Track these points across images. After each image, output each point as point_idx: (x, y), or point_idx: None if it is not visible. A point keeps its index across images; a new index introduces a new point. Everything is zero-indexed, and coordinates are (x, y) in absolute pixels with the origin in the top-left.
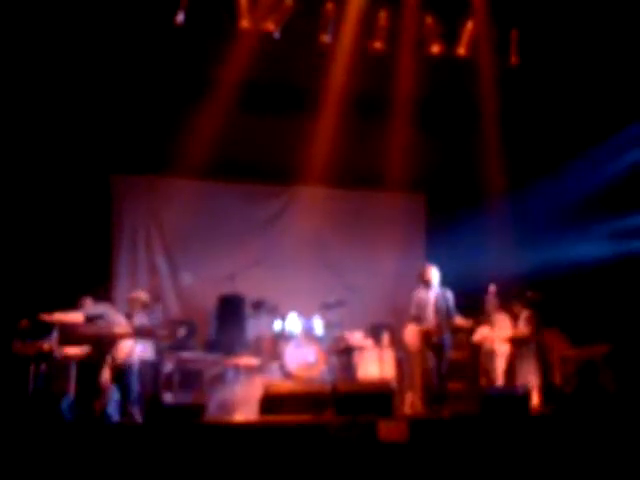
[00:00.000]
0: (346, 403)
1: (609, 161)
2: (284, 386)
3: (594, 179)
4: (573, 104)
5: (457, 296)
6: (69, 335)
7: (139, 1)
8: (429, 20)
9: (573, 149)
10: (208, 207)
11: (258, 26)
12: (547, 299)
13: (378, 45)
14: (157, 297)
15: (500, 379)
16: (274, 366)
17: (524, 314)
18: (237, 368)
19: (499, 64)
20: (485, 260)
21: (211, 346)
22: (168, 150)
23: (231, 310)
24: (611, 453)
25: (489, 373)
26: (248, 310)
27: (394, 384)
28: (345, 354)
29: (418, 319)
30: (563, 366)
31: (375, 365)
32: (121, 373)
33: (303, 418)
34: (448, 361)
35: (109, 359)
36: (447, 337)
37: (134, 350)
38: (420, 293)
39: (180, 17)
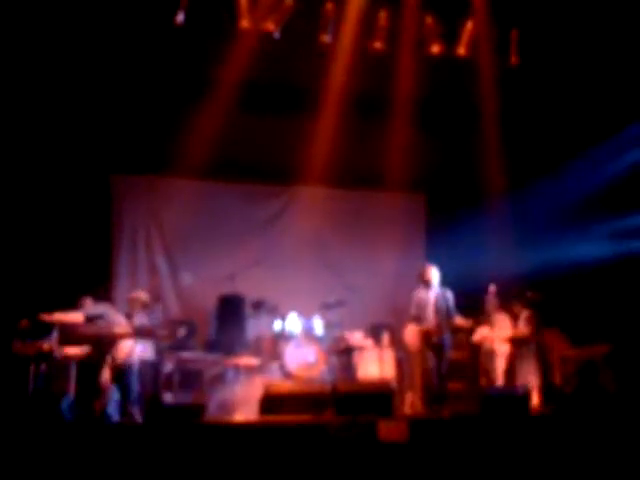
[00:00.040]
0: (346, 403)
1: (609, 161)
2: (284, 386)
3: (594, 179)
4: (573, 104)
5: (457, 296)
6: (69, 335)
7: (139, 1)
8: (429, 20)
9: (573, 149)
10: (208, 207)
11: (258, 26)
12: (547, 299)
13: (378, 45)
14: (157, 297)
15: (500, 379)
16: (274, 366)
17: (524, 314)
18: (237, 368)
19: (499, 64)
20: (485, 260)
21: (211, 346)
22: (168, 150)
23: (231, 310)
24: (611, 453)
25: (489, 373)
26: (248, 310)
27: (394, 384)
28: (345, 354)
29: (418, 319)
30: (563, 366)
31: (375, 365)
32: (121, 373)
33: (303, 418)
34: (448, 361)
35: (109, 359)
36: (447, 337)
37: (134, 350)
38: (420, 293)
39: (180, 17)
